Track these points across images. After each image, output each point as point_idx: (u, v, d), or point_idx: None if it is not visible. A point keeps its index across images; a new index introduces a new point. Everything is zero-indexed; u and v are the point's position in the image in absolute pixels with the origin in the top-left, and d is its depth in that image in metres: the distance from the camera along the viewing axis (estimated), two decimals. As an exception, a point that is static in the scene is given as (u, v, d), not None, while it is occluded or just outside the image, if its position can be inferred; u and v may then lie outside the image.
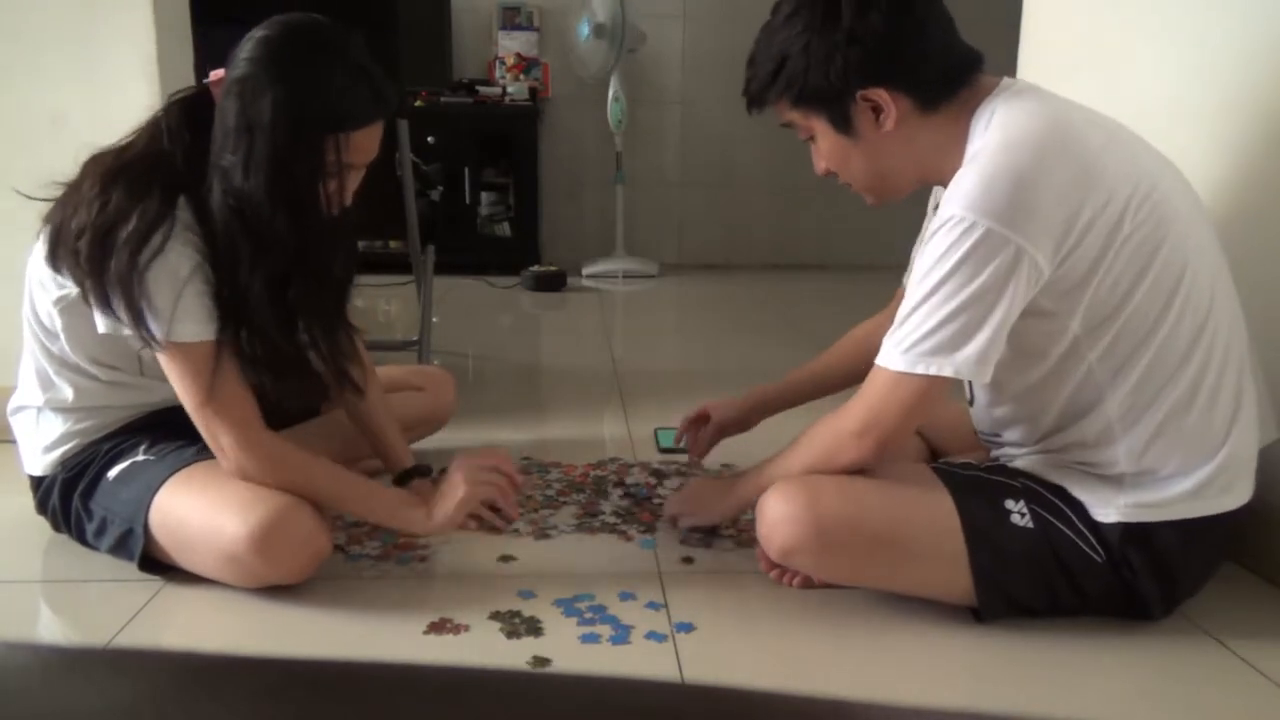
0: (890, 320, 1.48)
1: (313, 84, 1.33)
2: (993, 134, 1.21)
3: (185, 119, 1.38)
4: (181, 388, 1.38)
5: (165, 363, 1.37)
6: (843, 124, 1.28)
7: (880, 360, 1.26)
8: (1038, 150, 1.18)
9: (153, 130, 1.39)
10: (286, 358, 1.43)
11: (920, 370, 1.21)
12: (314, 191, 1.36)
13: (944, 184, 1.32)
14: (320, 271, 1.44)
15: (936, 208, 1.47)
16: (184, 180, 1.35)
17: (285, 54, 1.33)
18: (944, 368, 1.20)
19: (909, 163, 1.31)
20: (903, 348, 1.22)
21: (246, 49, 1.34)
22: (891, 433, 1.28)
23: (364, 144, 1.38)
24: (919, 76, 1.25)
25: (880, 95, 1.25)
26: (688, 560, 1.53)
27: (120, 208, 1.32)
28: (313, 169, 1.35)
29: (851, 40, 1.22)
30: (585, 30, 4.55)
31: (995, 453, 1.44)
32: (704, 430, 1.78)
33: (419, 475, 1.64)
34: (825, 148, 1.33)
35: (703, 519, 1.57)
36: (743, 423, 1.77)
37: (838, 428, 1.32)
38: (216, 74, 1.38)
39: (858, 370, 1.56)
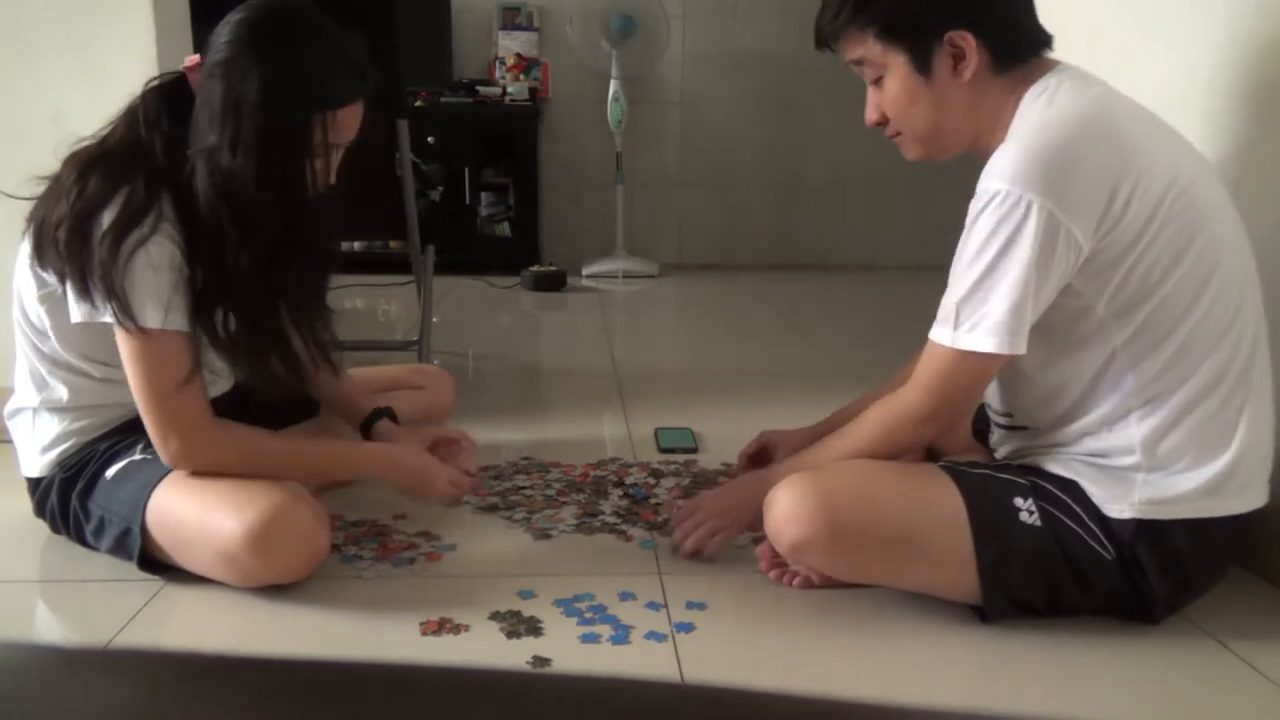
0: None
1: (299, 64, 1.34)
2: (1035, 111, 1.25)
3: (163, 105, 1.38)
4: (145, 376, 1.36)
5: (134, 350, 1.35)
6: (923, 64, 1.29)
7: (935, 339, 1.27)
8: (1077, 128, 1.22)
9: (130, 118, 1.39)
10: (269, 338, 1.43)
11: (977, 347, 1.23)
12: (301, 170, 1.37)
13: (987, 155, 1.32)
14: (306, 250, 1.45)
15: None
16: (164, 167, 1.35)
17: (268, 35, 1.34)
18: (1002, 345, 1.22)
19: (969, 121, 1.33)
20: (964, 329, 1.24)
21: (226, 32, 1.35)
22: (957, 412, 1.31)
23: (348, 123, 1.41)
24: (1005, 31, 1.29)
25: (967, 40, 1.27)
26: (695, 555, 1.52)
27: (97, 193, 1.32)
28: (300, 148, 1.36)
29: None
30: (622, 26, 4.54)
31: (999, 442, 1.44)
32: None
33: (383, 417, 1.67)
34: (894, 89, 1.32)
35: (738, 517, 1.49)
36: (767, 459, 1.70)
37: (902, 414, 1.33)
38: (191, 59, 1.39)
39: None
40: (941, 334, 1.27)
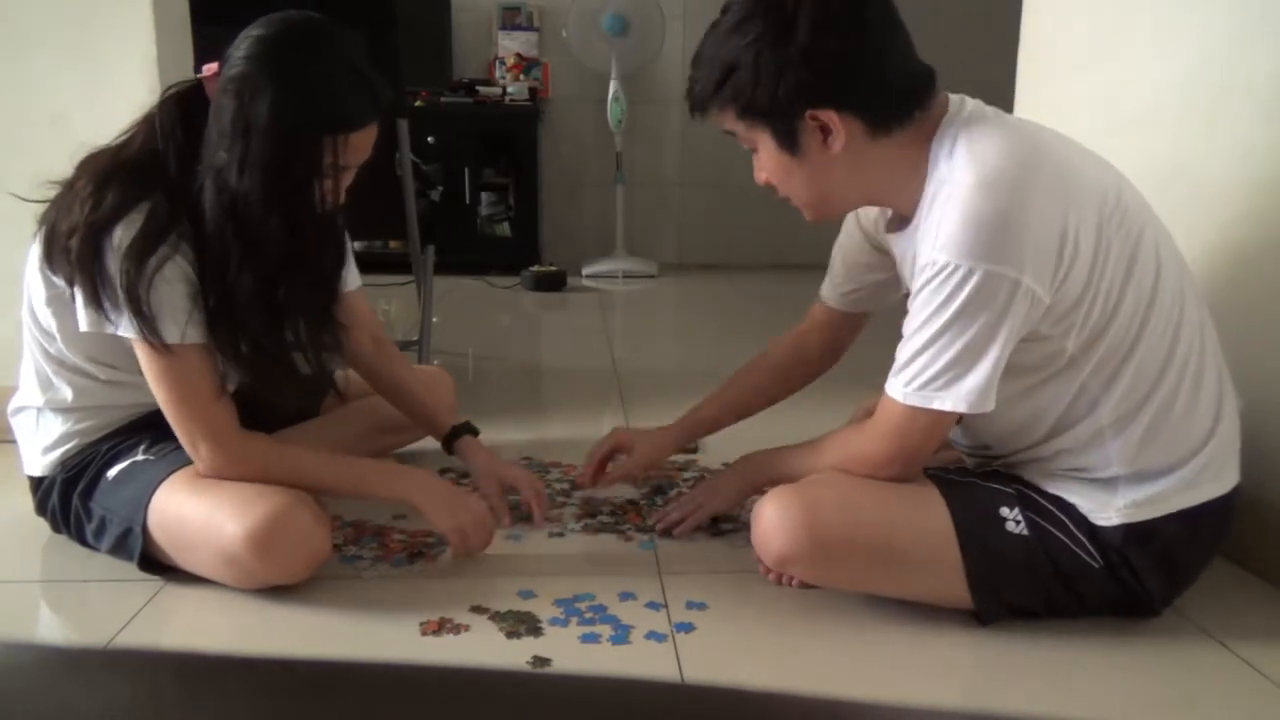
0: (807, 337, 1.64)
1: (312, 85, 1.32)
2: (962, 170, 1.18)
3: (179, 115, 1.37)
4: (172, 391, 1.36)
5: (159, 368, 1.36)
6: (788, 141, 1.24)
7: (891, 394, 1.26)
8: (1015, 184, 1.16)
9: (148, 128, 1.38)
10: (272, 357, 1.42)
11: (935, 406, 1.22)
12: (309, 192, 1.36)
13: (897, 208, 1.33)
14: (311, 271, 1.44)
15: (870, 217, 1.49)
16: (177, 181, 1.34)
17: (284, 54, 1.32)
18: (959, 404, 1.21)
19: (855, 184, 1.29)
20: (915, 385, 1.23)
21: (244, 47, 1.33)
22: (915, 460, 1.31)
23: (360, 145, 1.38)
24: (871, 100, 1.22)
25: (830, 117, 1.21)
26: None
27: (114, 206, 1.32)
28: (309, 170, 1.34)
29: (805, 60, 1.18)
30: (612, 25, 4.54)
31: (977, 467, 1.44)
32: (616, 464, 1.69)
33: (466, 433, 1.70)
34: (768, 163, 1.29)
35: (714, 507, 1.60)
36: (657, 463, 1.72)
37: (864, 452, 1.33)
38: (210, 68, 1.37)
39: (774, 396, 1.70)
40: (894, 387, 1.25)
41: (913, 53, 1.25)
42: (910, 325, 1.23)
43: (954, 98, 1.28)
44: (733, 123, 1.27)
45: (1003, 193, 1.16)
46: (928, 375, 1.21)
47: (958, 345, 1.18)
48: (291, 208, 1.35)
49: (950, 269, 1.16)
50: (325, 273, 1.49)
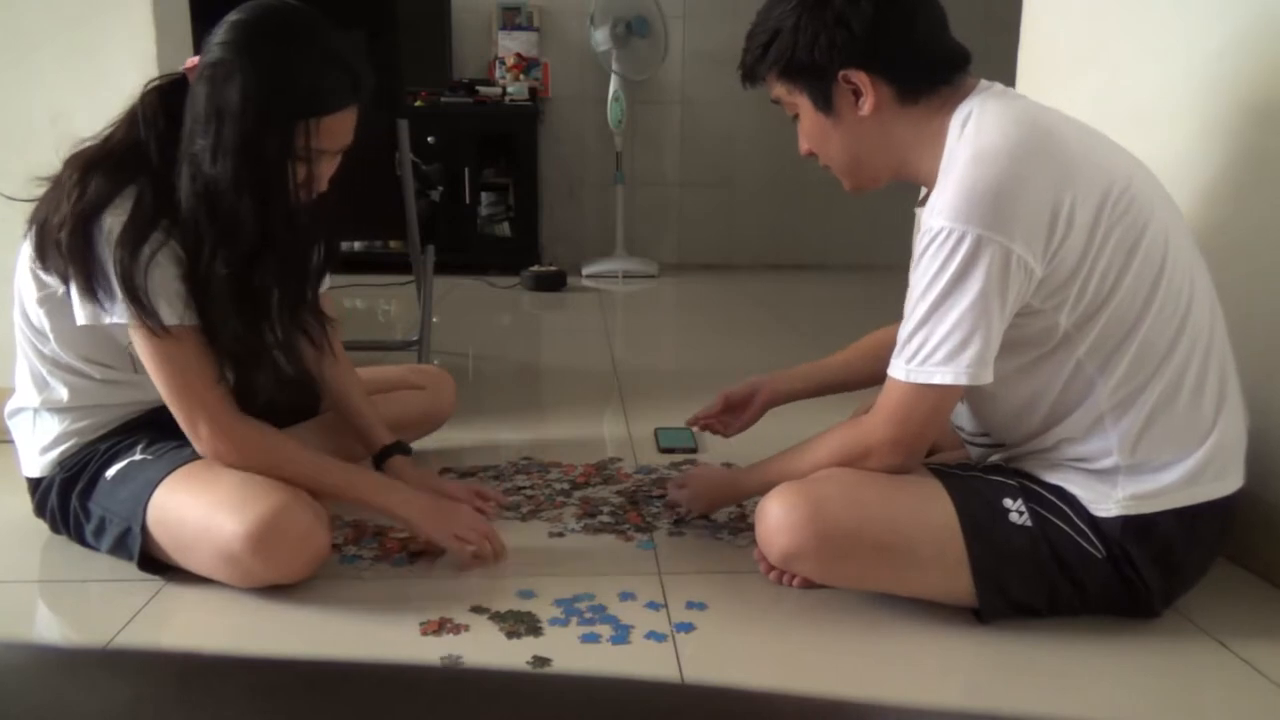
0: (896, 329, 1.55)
1: (282, 68, 1.32)
2: (965, 143, 1.24)
3: (161, 106, 1.37)
4: (171, 374, 1.37)
5: (157, 351, 1.36)
6: (823, 102, 1.32)
7: (894, 375, 1.28)
8: (1011, 158, 1.20)
9: (131, 120, 1.38)
10: (248, 347, 1.42)
11: (937, 381, 1.23)
12: (282, 178, 1.35)
13: (922, 181, 1.37)
14: (286, 260, 1.43)
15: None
16: (160, 169, 1.34)
17: (256, 38, 1.32)
18: (959, 376, 1.22)
19: (885, 152, 1.34)
20: (916, 362, 1.24)
21: (219, 33, 1.33)
22: (919, 443, 1.31)
23: (336, 130, 1.37)
24: (900, 67, 1.29)
25: (860, 78, 1.28)
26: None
27: (99, 194, 1.32)
28: (281, 155, 1.33)
29: (839, 22, 1.27)
30: (639, 27, 4.55)
31: (980, 459, 1.45)
32: (725, 413, 1.77)
33: (397, 453, 1.66)
34: (806, 126, 1.37)
35: (703, 510, 1.62)
36: (748, 403, 1.76)
37: (862, 443, 1.33)
38: (192, 60, 1.37)
39: (877, 372, 1.63)
40: (896, 367, 1.27)
41: (946, 31, 1.32)
42: (910, 300, 1.26)
43: (984, 81, 1.32)
44: (777, 87, 1.36)
45: (997, 164, 1.20)
46: (928, 349, 1.23)
47: (954, 315, 1.21)
48: (263, 193, 1.34)
49: (945, 234, 1.20)
50: (303, 264, 1.48)
